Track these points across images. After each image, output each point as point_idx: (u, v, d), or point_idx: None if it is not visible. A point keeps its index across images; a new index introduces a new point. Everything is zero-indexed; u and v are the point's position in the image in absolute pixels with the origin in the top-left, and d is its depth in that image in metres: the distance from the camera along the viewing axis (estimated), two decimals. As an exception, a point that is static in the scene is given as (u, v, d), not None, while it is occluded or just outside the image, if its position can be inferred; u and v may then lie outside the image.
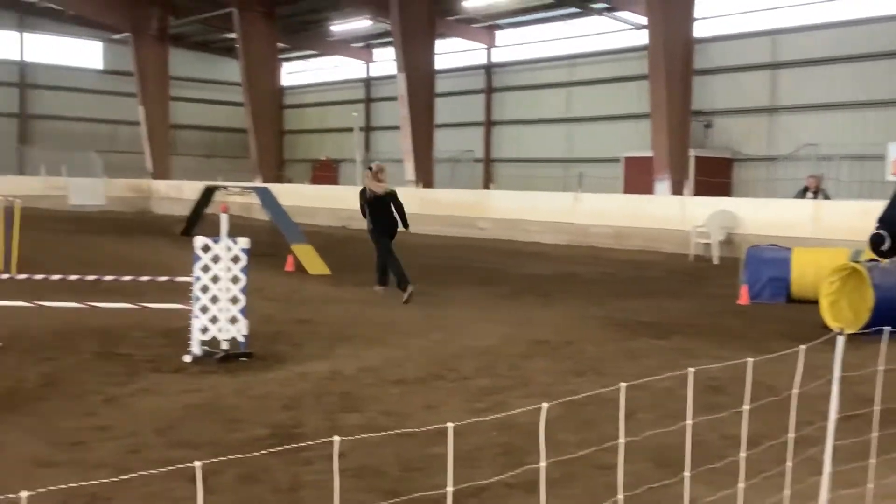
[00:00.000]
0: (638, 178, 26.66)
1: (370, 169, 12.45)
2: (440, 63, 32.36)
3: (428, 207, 27.16)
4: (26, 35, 43.56)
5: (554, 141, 34.64)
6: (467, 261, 18.08)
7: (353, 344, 8.63)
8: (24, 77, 43.73)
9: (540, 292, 13.07)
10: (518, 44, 36.85)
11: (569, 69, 34.20)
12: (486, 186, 32.43)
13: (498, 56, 37.60)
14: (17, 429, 5.50)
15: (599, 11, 31.99)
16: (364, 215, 12.37)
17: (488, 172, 35.86)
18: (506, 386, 6.90)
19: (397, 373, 7.30)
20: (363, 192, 12.34)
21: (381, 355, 8.03)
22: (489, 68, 37.64)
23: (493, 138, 37.47)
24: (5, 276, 8.96)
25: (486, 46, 37.76)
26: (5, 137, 42.54)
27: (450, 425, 2.40)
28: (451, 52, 38.22)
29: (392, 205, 12.24)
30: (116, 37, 42.55)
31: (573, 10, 33.12)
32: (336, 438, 2.25)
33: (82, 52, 45.18)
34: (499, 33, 37.45)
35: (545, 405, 2.62)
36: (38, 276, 8.71)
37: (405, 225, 12.40)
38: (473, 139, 37.60)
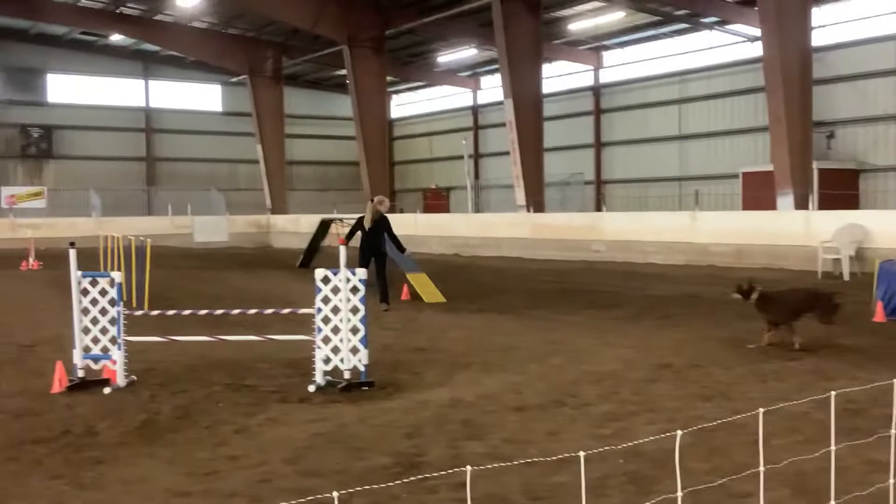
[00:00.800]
0: (757, 193, 25.84)
1: (372, 201, 14.09)
2: (547, 87, 32.34)
3: (539, 232, 27.03)
4: (151, 82, 46.14)
5: (666, 159, 34.04)
6: (583, 284, 17.85)
7: (471, 371, 8.61)
8: (149, 122, 46.19)
9: (660, 314, 12.76)
10: (626, 63, 36.49)
11: (680, 85, 33.62)
12: (599, 208, 32.06)
13: (606, 77, 37.33)
14: (154, 460, 5.71)
15: (710, 26, 31.35)
16: (350, 237, 13.46)
17: (600, 194, 35.50)
18: (630, 412, 6.73)
19: (517, 399, 7.23)
20: (360, 220, 13.99)
21: (500, 382, 7.97)
22: (597, 89, 37.39)
23: (603, 159, 37.12)
24: (139, 312, 9.37)
25: (593, 68, 37.56)
26: (135, 180, 45.02)
27: (581, 454, 2.35)
28: (558, 76, 38.19)
29: (385, 233, 13.78)
30: (234, 80, 44.51)
31: (682, 25, 32.60)
32: (468, 468, 2.23)
33: (202, 96, 47.46)
34: (606, 54, 37.20)
35: (679, 432, 2.54)
36: (170, 312, 9.09)
37: (401, 249, 14.07)
38: (583, 161, 37.35)
